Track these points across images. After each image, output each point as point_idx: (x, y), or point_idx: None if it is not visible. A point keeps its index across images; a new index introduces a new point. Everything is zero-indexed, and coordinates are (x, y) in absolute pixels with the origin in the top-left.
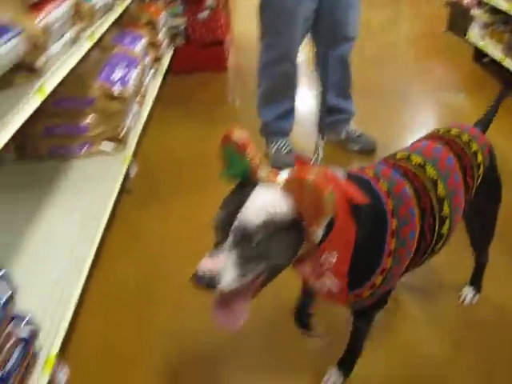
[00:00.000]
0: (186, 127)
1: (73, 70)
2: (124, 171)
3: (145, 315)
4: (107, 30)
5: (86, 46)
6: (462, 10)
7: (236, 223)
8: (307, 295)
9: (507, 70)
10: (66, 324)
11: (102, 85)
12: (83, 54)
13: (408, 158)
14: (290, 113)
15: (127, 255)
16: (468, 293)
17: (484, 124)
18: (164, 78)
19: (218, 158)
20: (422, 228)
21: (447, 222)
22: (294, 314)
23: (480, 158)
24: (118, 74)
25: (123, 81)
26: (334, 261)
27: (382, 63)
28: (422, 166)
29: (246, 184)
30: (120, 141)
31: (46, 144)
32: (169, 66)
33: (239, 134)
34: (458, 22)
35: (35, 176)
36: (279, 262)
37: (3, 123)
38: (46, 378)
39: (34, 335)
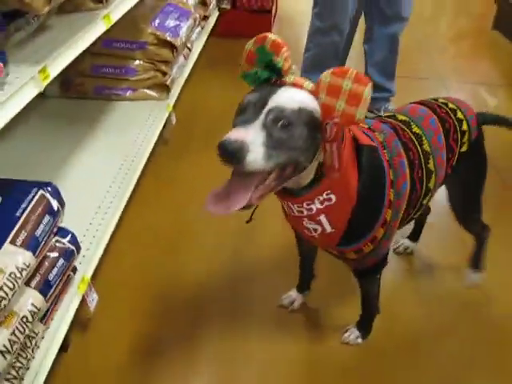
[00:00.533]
0: (222, 88)
1: (130, 10)
2: (165, 118)
3: (171, 259)
4: None
5: None
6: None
7: (272, 104)
8: (304, 252)
9: None
10: (100, 251)
11: (155, 30)
12: None
13: (394, 116)
14: None
15: (159, 201)
16: (470, 274)
17: (487, 117)
18: (207, 40)
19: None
20: (412, 179)
21: (433, 176)
22: (299, 274)
23: (465, 126)
24: (170, 23)
25: (175, 30)
26: (332, 204)
27: (427, 52)
28: (407, 123)
29: (268, 85)
30: (166, 88)
31: (92, 82)
32: (212, 28)
33: (276, 36)
34: (506, 20)
35: (79, 112)
36: (301, 158)
37: (73, 41)
38: (79, 297)
39: (75, 251)
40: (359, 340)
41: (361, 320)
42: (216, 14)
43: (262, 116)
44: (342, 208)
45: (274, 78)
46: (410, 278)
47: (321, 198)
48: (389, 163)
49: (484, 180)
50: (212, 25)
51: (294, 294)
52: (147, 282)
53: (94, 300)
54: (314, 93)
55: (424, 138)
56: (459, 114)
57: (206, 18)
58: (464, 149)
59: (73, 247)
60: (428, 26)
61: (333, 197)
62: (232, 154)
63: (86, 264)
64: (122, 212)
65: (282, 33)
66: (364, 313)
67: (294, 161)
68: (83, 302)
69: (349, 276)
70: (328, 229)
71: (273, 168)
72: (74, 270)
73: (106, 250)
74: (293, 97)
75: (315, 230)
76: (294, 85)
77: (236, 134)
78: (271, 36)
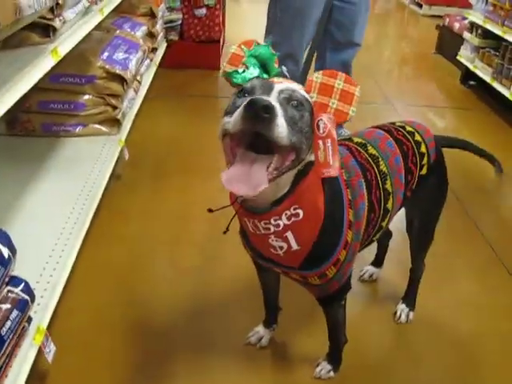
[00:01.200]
0: (171, 119)
1: (78, 44)
2: (118, 153)
3: (129, 297)
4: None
5: (96, 18)
6: (452, 34)
7: (280, 87)
8: (267, 283)
9: (493, 92)
10: (56, 297)
11: (104, 64)
12: (95, 24)
13: (349, 139)
14: None
15: (113, 237)
16: (402, 311)
17: (446, 139)
18: (155, 71)
19: (210, 145)
20: (370, 200)
21: (391, 197)
22: (265, 308)
23: (423, 148)
24: (119, 56)
25: (124, 63)
26: (299, 219)
27: (374, 75)
28: (363, 145)
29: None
30: (117, 122)
31: (40, 119)
32: (161, 60)
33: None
34: (448, 44)
35: (26, 151)
36: (304, 145)
37: (19, 77)
38: (36, 349)
39: (30, 300)
40: (331, 373)
41: (330, 352)
42: (164, 45)
43: (275, 94)
44: (309, 224)
45: (264, 77)
46: (376, 306)
47: (288, 213)
48: (346, 183)
49: (443, 205)
50: (160, 57)
51: (261, 329)
52: (106, 323)
53: (51, 351)
54: (306, 92)
55: (381, 159)
56: (417, 137)
57: (154, 49)
58: (424, 171)
59: (27, 297)
60: (372, 52)
61: (300, 212)
62: (265, 111)
63: (42, 312)
64: (77, 253)
65: None
66: (332, 343)
67: (299, 145)
68: (40, 352)
69: (315, 307)
70: (294, 246)
71: (288, 144)
72: (29, 320)
73: (61, 295)
74: (295, 86)
75: (281, 248)
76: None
77: (263, 97)
78: (259, 42)
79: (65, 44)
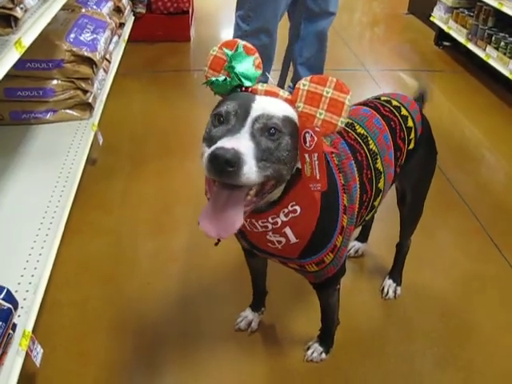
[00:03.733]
0: (147, 98)
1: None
2: (91, 138)
3: (113, 290)
4: None
5: (59, 1)
6: None
7: (257, 111)
8: (255, 268)
9: (467, 53)
10: (39, 299)
11: (71, 46)
12: (58, 9)
13: None
14: None
15: (94, 227)
16: (390, 286)
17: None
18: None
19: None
20: (361, 181)
21: (382, 176)
22: (253, 292)
23: (411, 122)
24: (87, 37)
25: (92, 44)
26: (297, 215)
27: (345, 39)
28: (351, 124)
29: (239, 93)
30: (88, 106)
31: (8, 107)
32: (129, 34)
33: (243, 41)
34: (420, 5)
35: None
36: (284, 170)
37: None
38: (23, 354)
39: (13, 308)
40: (323, 355)
41: (322, 334)
42: (132, 19)
43: (248, 124)
44: (307, 218)
45: (245, 85)
46: (363, 281)
47: (286, 211)
48: (338, 168)
49: (432, 176)
50: (128, 31)
51: (249, 313)
52: (92, 318)
53: (38, 353)
54: (291, 101)
55: (370, 138)
56: (403, 111)
57: (121, 25)
58: (411, 146)
59: (9, 305)
60: (342, 14)
61: (297, 208)
62: (228, 164)
63: (26, 315)
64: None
65: (202, 34)
66: (325, 326)
67: (278, 173)
68: (27, 356)
69: (302, 289)
70: (292, 240)
71: (260, 181)
72: (14, 327)
73: (44, 295)
74: (274, 104)
75: (279, 242)
76: (268, 93)
77: (227, 143)
78: (240, 41)
79: (29, 34)
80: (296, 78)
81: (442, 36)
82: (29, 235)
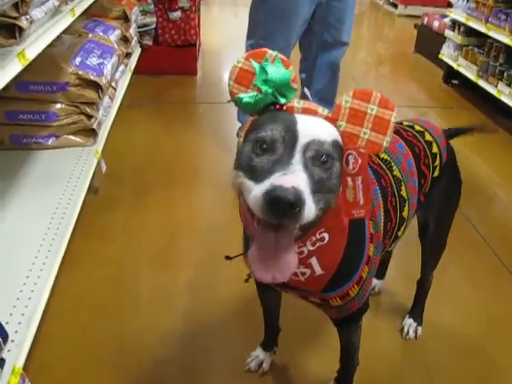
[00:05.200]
0: (151, 129)
1: (47, 49)
2: (94, 166)
3: (113, 323)
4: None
5: (67, 19)
6: (432, 33)
7: (308, 138)
8: (268, 302)
9: (478, 90)
10: (32, 332)
11: (77, 69)
12: (66, 25)
13: None
14: None
15: (95, 258)
16: (410, 326)
17: (450, 131)
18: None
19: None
20: (386, 208)
21: (406, 204)
22: (265, 330)
23: (435, 148)
24: (93, 61)
25: (99, 68)
26: (325, 244)
27: (354, 78)
28: None
29: (273, 112)
30: (92, 132)
31: (8, 131)
32: (135, 66)
33: (275, 52)
34: (427, 44)
35: None
36: (334, 198)
37: None
38: None
39: (2, 341)
40: None
41: (340, 376)
42: (138, 50)
43: (299, 153)
44: (335, 247)
45: (280, 103)
46: (381, 320)
47: (313, 239)
48: None
49: (457, 207)
50: (135, 62)
51: (260, 353)
52: (89, 355)
53: None
54: (332, 119)
55: (393, 164)
56: (427, 136)
57: (128, 55)
58: (436, 173)
59: None
60: (348, 53)
61: (326, 236)
62: (292, 206)
63: (16, 350)
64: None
65: (209, 66)
66: (344, 367)
67: (329, 204)
68: None
69: (317, 326)
70: (318, 271)
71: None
72: (2, 362)
73: (38, 328)
74: (321, 125)
75: (303, 274)
76: (306, 111)
77: (289, 180)
78: (271, 51)
79: (33, 47)
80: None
81: (450, 74)
82: (24, 263)
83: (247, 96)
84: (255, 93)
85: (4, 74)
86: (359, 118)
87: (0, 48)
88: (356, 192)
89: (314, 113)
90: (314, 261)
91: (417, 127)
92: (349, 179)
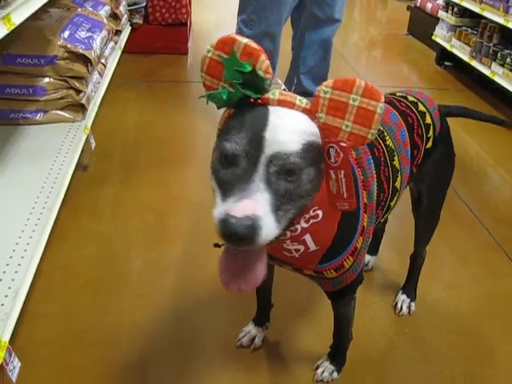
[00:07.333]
0: (139, 107)
1: (35, 21)
2: (83, 142)
3: (100, 300)
4: None
5: None
6: (425, 14)
7: (271, 149)
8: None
9: (470, 72)
10: (18, 307)
11: (66, 42)
12: None
13: None
14: None
15: (79, 236)
16: (403, 302)
17: (452, 108)
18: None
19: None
20: (379, 178)
21: (399, 175)
22: (257, 303)
23: (429, 118)
24: (82, 34)
25: (88, 42)
26: (318, 221)
27: (347, 59)
28: None
29: (248, 107)
30: (81, 107)
31: None
32: (125, 44)
33: (246, 39)
34: (420, 25)
35: None
36: (308, 201)
37: None
38: None
39: None
40: (335, 375)
41: (333, 351)
42: (128, 29)
43: (262, 168)
44: (329, 223)
45: (253, 96)
46: (374, 297)
47: (307, 217)
48: (357, 162)
49: (450, 179)
50: (125, 41)
51: (252, 329)
52: (79, 331)
53: (15, 367)
54: (310, 111)
55: (386, 134)
56: (421, 107)
57: (118, 32)
58: (429, 145)
59: None
60: (340, 36)
61: (320, 212)
62: (245, 237)
63: (2, 323)
64: (41, 253)
65: (200, 46)
66: (337, 341)
67: (302, 207)
68: (2, 370)
69: (310, 302)
70: (312, 247)
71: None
72: None
73: (25, 302)
74: (292, 128)
75: (297, 251)
76: (281, 102)
77: (242, 209)
78: (241, 39)
79: (19, 11)
80: (298, 88)
81: (443, 55)
82: (11, 238)
83: (218, 93)
84: (226, 89)
85: None
86: (340, 109)
87: None
88: (339, 185)
89: (290, 105)
90: (307, 237)
91: (410, 98)
92: (331, 172)
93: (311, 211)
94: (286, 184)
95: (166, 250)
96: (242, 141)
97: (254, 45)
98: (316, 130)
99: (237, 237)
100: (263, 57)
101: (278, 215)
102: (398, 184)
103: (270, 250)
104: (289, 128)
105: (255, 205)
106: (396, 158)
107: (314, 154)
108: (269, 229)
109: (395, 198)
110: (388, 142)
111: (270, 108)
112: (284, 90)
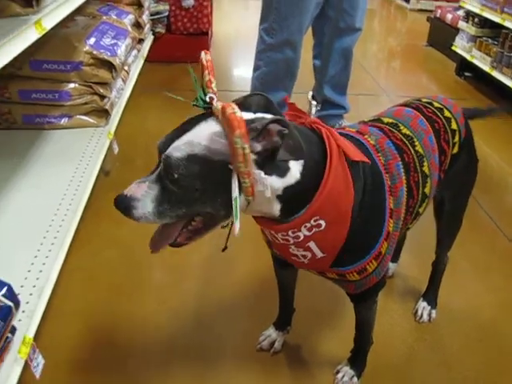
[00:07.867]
0: (163, 116)
1: (62, 28)
2: (106, 147)
3: (123, 302)
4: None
5: None
6: (445, 25)
7: (165, 153)
8: (284, 278)
9: (491, 83)
10: (43, 304)
11: (91, 49)
12: (83, 0)
13: (379, 120)
14: (282, 106)
15: (102, 240)
16: (424, 309)
17: (472, 111)
18: (142, 65)
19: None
20: (408, 184)
21: (428, 180)
22: (279, 307)
23: (454, 124)
24: (107, 41)
25: (113, 49)
26: (322, 229)
27: (367, 69)
28: (395, 125)
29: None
30: (105, 113)
31: (21, 110)
32: (147, 53)
33: (204, 55)
34: (440, 36)
35: (6, 145)
36: (207, 209)
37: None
38: (22, 363)
39: (14, 307)
40: (355, 380)
41: (354, 355)
42: (151, 38)
43: (160, 166)
44: (335, 232)
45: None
46: (394, 304)
47: (308, 225)
48: (385, 167)
49: (473, 185)
50: (147, 50)
51: (272, 333)
52: (100, 334)
53: (39, 365)
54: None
55: (415, 139)
56: (446, 113)
57: (141, 41)
58: (455, 150)
59: (10, 303)
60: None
61: (322, 222)
62: (121, 209)
63: (27, 320)
64: (65, 254)
65: (221, 55)
66: (358, 345)
67: (195, 213)
68: (26, 366)
69: (331, 307)
70: (319, 254)
71: (172, 221)
72: (13, 330)
73: (48, 301)
74: (192, 138)
75: (304, 257)
76: (219, 113)
77: (131, 189)
78: (202, 55)
79: (50, 17)
80: (321, 97)
81: (463, 66)
82: (36, 238)
83: (195, 102)
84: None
85: (20, 40)
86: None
87: (16, 17)
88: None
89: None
90: (312, 244)
91: (435, 104)
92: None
93: (312, 220)
94: (169, 184)
95: (187, 254)
96: (163, 140)
97: (203, 61)
98: (223, 142)
99: (117, 207)
100: (206, 72)
101: (158, 208)
102: (427, 190)
103: (281, 253)
104: (187, 138)
105: (137, 189)
106: (425, 163)
107: (202, 167)
108: (141, 211)
109: (424, 204)
110: (417, 148)
111: (211, 118)
112: (317, 109)
